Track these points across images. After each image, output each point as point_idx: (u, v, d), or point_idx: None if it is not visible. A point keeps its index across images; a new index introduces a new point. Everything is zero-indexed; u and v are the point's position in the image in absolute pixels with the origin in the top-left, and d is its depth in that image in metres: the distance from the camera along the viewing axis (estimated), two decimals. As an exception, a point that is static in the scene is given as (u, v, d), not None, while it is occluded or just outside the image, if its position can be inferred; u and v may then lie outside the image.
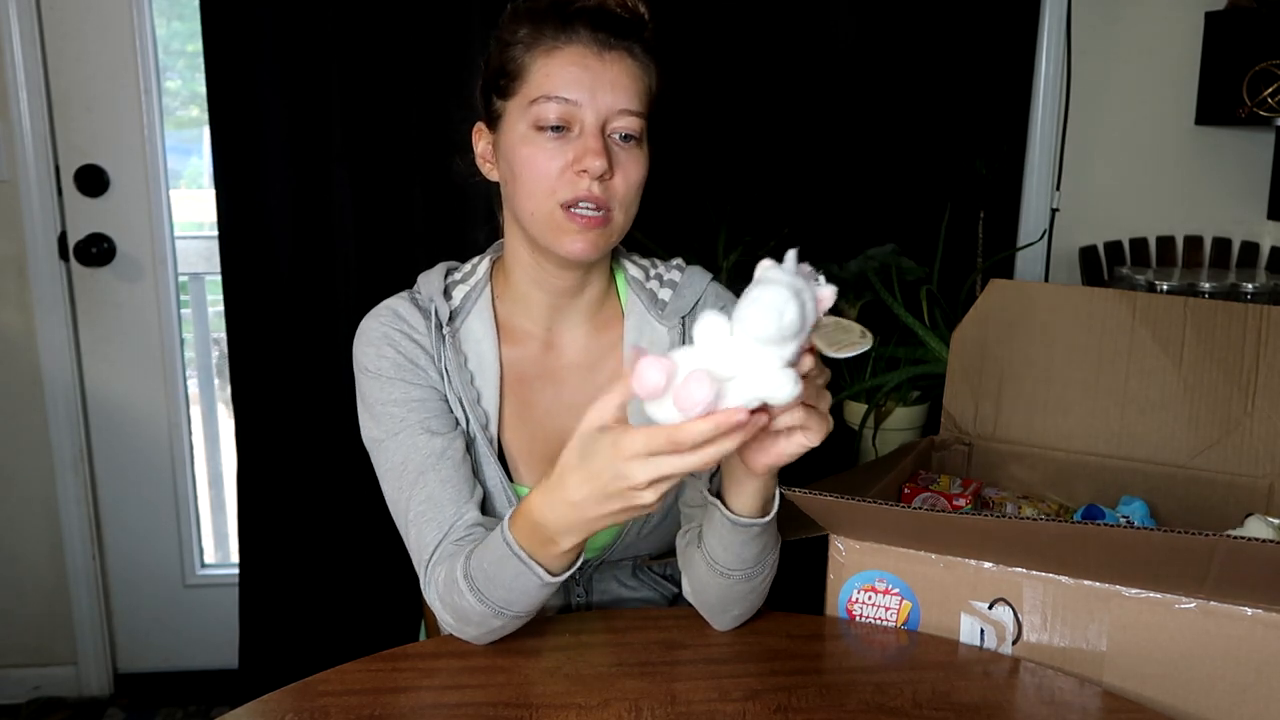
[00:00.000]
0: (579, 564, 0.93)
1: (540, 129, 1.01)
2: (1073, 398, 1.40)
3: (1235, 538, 0.87)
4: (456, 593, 0.95)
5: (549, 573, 0.90)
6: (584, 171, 0.99)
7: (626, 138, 1.02)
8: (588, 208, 1.00)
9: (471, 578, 0.94)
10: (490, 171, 1.10)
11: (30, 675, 2.20)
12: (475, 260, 1.16)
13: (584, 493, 0.81)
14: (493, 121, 1.07)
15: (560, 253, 1.02)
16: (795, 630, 1.06)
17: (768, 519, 0.94)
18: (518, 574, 0.91)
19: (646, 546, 1.15)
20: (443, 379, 1.07)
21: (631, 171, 1.02)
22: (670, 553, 1.13)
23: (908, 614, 1.06)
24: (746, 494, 0.92)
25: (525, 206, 1.03)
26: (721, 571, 0.98)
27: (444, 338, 1.07)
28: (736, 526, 0.94)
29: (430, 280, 1.12)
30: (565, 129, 1.00)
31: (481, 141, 1.10)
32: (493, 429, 1.08)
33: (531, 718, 0.89)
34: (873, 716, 0.90)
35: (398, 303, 1.10)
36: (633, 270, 1.16)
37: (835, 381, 1.88)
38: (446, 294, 1.11)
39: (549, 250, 1.04)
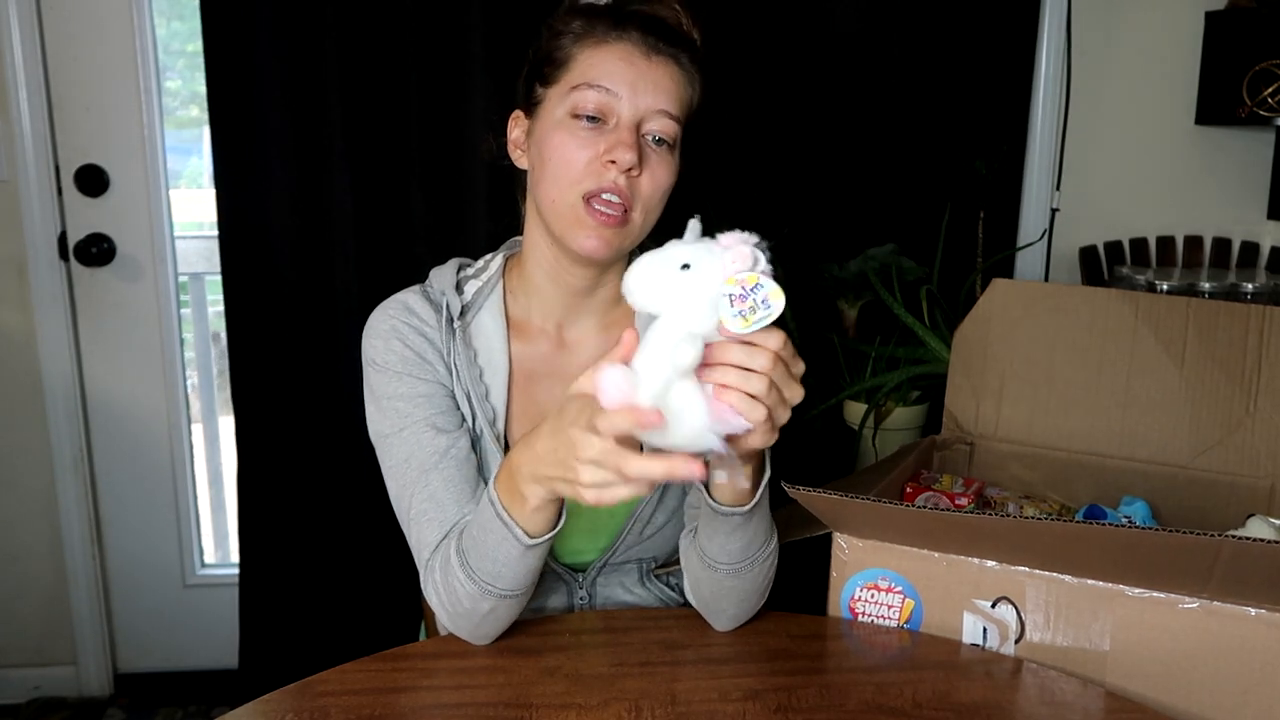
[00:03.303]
0: (557, 530, 0.92)
1: (576, 116, 1.01)
2: (1074, 398, 1.40)
3: (1238, 538, 0.87)
4: (451, 574, 0.96)
5: (526, 533, 0.91)
6: (612, 162, 0.99)
7: (660, 140, 1.02)
8: (610, 200, 1.00)
9: (464, 551, 0.95)
10: (520, 159, 1.10)
11: (30, 675, 2.20)
12: (489, 256, 1.15)
13: (547, 445, 0.83)
14: (531, 108, 1.07)
15: (573, 247, 1.02)
16: (796, 630, 1.06)
17: (744, 510, 0.94)
18: (501, 539, 0.92)
19: (650, 549, 1.15)
20: (451, 374, 1.07)
21: (660, 174, 1.02)
22: (677, 561, 1.13)
23: (910, 612, 1.06)
24: (723, 485, 0.93)
25: (548, 194, 1.02)
26: (709, 563, 0.99)
27: (454, 332, 1.07)
28: (717, 515, 0.95)
29: (443, 274, 1.11)
30: (601, 120, 1.00)
31: (516, 128, 1.10)
32: (500, 425, 1.08)
33: (531, 718, 0.89)
34: (873, 716, 0.90)
35: (409, 296, 1.09)
36: None
37: (835, 381, 1.88)
38: (459, 289, 1.10)
39: (564, 244, 1.04)
